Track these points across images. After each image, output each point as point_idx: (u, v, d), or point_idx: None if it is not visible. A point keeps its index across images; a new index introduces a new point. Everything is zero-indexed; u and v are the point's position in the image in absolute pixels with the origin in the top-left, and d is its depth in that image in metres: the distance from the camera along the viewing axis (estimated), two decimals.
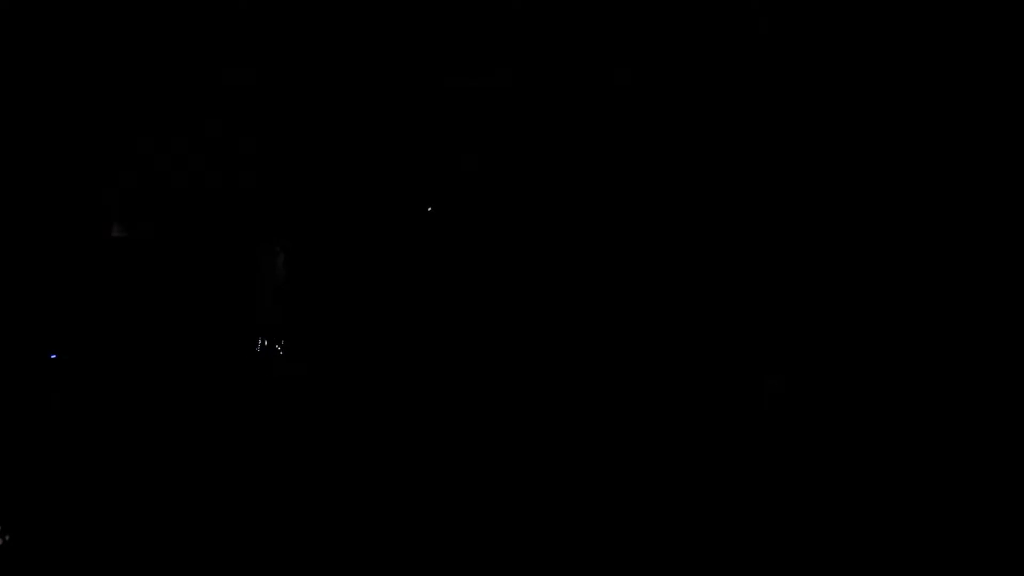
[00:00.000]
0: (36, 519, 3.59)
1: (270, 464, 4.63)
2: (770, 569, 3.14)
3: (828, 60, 6.60)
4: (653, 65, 6.89)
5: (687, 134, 7.40)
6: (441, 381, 6.95)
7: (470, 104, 7.06)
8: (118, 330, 6.58)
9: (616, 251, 7.57)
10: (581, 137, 7.35)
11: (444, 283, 7.46)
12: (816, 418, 5.86)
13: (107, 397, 5.99)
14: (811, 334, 6.98)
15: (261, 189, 7.18)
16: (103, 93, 6.55)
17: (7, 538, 3.40)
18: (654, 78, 6.99)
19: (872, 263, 7.04)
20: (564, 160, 7.51)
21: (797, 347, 6.95)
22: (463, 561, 3.19)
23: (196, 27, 6.35)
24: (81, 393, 6.11)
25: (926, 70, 6.49)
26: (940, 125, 6.63)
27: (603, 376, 7.13)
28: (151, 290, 6.72)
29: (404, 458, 4.76)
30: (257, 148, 7.08)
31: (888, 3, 6.24)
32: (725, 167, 7.40)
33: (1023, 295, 6.37)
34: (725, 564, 3.20)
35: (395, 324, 7.34)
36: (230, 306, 6.91)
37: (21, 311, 6.28)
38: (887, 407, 6.03)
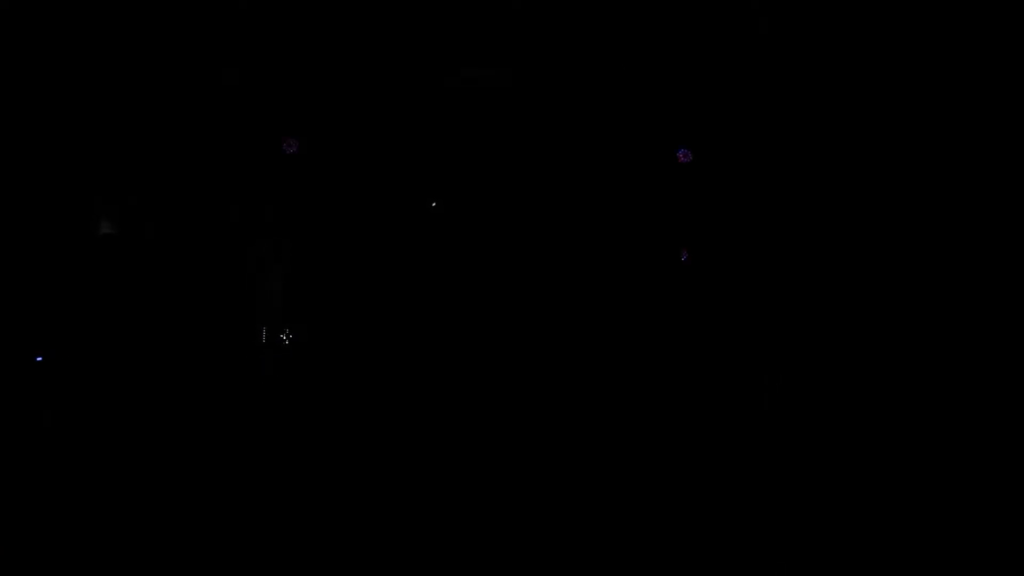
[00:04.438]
0: (30, 523, 3.56)
1: (270, 465, 4.61)
2: (768, 568, 3.13)
3: (828, 60, 6.60)
4: (654, 64, 6.89)
5: (686, 133, 7.40)
6: (441, 377, 6.94)
7: (470, 102, 7.05)
8: (108, 331, 6.52)
9: (615, 250, 7.55)
10: (580, 136, 7.34)
11: (445, 279, 7.44)
12: (814, 417, 5.85)
13: (99, 400, 5.93)
14: (809, 334, 6.99)
15: (260, 185, 7.15)
16: (93, 87, 6.51)
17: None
18: (654, 77, 6.99)
19: (868, 264, 7.04)
20: (563, 159, 7.50)
21: (796, 347, 6.95)
22: (462, 559, 3.17)
23: (195, 22, 6.33)
24: (72, 397, 6.05)
25: (925, 71, 6.49)
26: (939, 126, 6.63)
27: (602, 374, 7.12)
28: (142, 290, 6.68)
29: (404, 455, 4.74)
30: (257, 144, 7.05)
31: (888, 3, 6.24)
32: (725, 165, 7.39)
33: (1018, 296, 6.38)
34: (723, 563, 3.19)
35: (396, 320, 7.31)
36: (228, 306, 6.87)
37: (6, 311, 6.23)
38: (883, 406, 6.04)
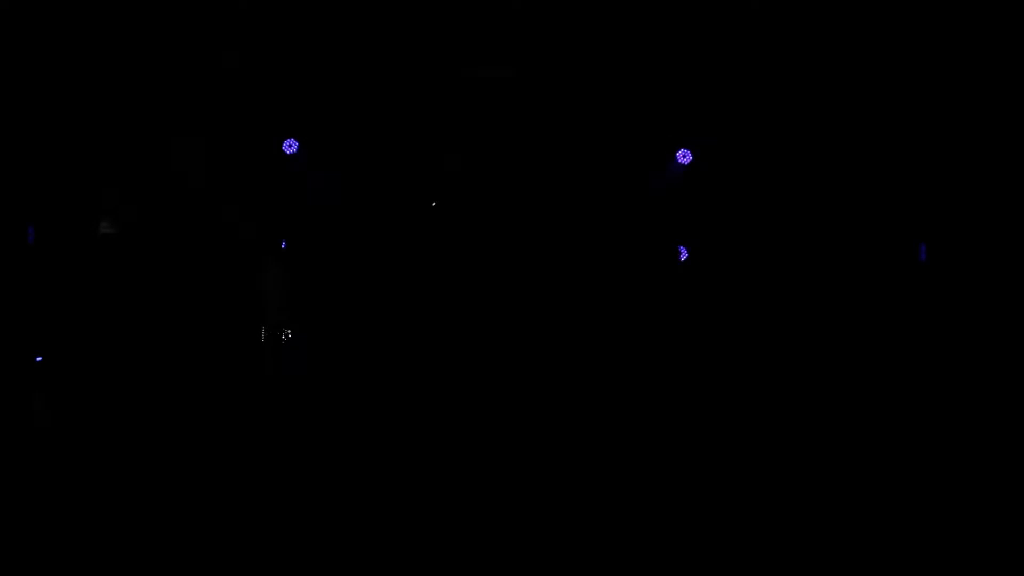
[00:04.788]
0: (30, 522, 3.57)
1: (269, 463, 4.61)
2: (766, 567, 3.15)
3: (829, 62, 6.61)
4: (655, 67, 6.89)
5: (686, 133, 7.42)
6: (442, 373, 6.96)
7: (471, 103, 7.05)
8: (107, 331, 6.50)
9: (613, 248, 7.58)
10: (580, 138, 7.35)
11: (446, 278, 7.45)
12: (812, 415, 5.92)
13: (98, 399, 5.92)
14: (806, 332, 7.06)
15: (260, 185, 7.15)
16: (94, 89, 6.50)
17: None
18: (655, 79, 7.00)
19: (866, 262, 7.07)
20: (561, 160, 7.51)
21: (794, 345, 7.04)
22: (462, 557, 3.19)
23: (193, 24, 6.32)
24: (71, 396, 6.04)
25: (923, 77, 6.51)
26: (935, 131, 6.64)
27: (601, 368, 7.16)
28: (141, 290, 6.66)
29: (404, 451, 4.75)
30: (258, 143, 7.05)
31: (887, 4, 6.25)
32: (725, 166, 7.41)
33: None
34: (721, 562, 3.21)
35: (397, 319, 7.32)
36: (228, 305, 6.86)
37: (6, 311, 6.21)
38: (881, 404, 6.10)
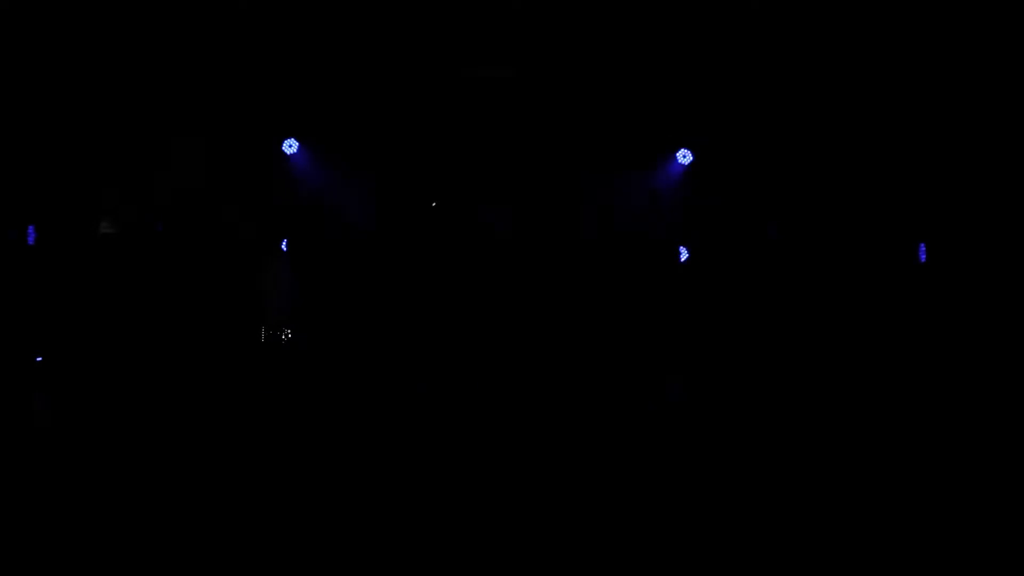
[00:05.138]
0: (30, 523, 3.57)
1: (271, 463, 4.62)
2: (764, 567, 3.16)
3: (829, 62, 6.62)
4: (655, 67, 6.90)
5: (686, 133, 7.42)
6: (442, 373, 6.98)
7: (472, 105, 7.06)
8: (106, 331, 6.50)
9: (615, 249, 7.59)
10: (581, 138, 7.35)
11: (445, 278, 7.47)
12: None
13: (97, 400, 5.92)
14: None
15: (260, 185, 7.15)
16: (95, 89, 6.50)
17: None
18: (655, 80, 7.01)
19: (868, 263, 7.08)
20: (561, 161, 7.51)
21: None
22: (461, 558, 3.19)
23: (193, 23, 6.32)
24: (71, 396, 6.04)
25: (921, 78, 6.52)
26: (935, 132, 6.65)
27: (603, 370, 7.18)
28: (140, 290, 6.66)
29: (403, 450, 4.76)
30: (258, 143, 7.04)
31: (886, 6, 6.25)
32: (725, 165, 7.42)
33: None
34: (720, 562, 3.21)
35: (397, 319, 7.33)
36: (228, 305, 6.86)
37: (6, 311, 6.21)
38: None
